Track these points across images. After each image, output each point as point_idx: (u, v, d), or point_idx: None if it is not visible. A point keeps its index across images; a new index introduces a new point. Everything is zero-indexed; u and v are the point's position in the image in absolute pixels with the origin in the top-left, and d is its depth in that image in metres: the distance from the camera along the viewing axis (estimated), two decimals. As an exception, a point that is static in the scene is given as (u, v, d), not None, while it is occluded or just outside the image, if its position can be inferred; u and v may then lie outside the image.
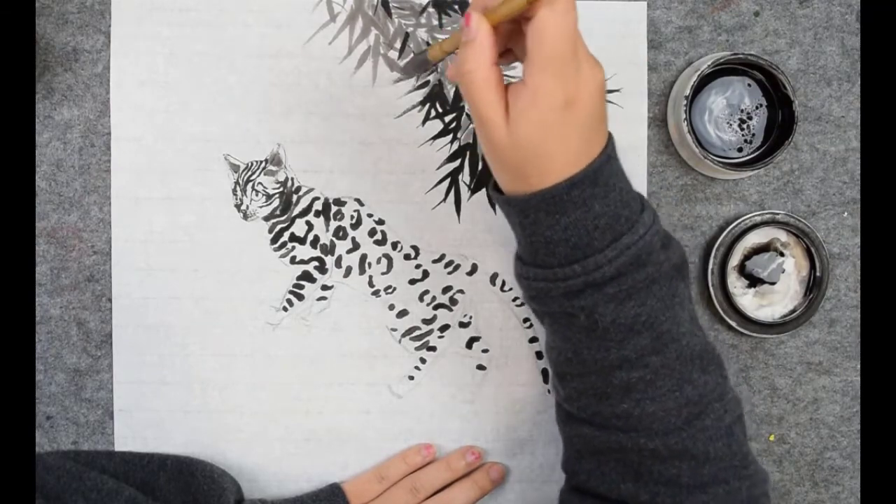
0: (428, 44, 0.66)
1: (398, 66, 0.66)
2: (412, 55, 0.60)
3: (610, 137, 0.50)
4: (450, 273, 0.67)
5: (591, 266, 0.48)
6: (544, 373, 0.67)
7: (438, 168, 0.66)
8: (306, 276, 0.66)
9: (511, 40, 0.51)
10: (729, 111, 0.66)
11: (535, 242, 0.49)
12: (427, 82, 0.66)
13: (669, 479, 0.50)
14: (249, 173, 0.66)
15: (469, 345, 0.67)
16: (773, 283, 0.67)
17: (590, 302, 0.49)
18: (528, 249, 0.51)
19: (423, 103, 0.66)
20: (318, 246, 0.66)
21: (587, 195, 0.47)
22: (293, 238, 0.66)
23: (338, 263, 0.66)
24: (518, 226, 0.51)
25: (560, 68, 0.46)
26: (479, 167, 0.66)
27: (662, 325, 0.49)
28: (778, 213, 0.66)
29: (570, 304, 0.49)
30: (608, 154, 0.49)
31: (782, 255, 0.67)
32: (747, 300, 0.67)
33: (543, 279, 0.50)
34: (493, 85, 0.47)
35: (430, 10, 0.66)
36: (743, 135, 0.66)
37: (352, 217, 0.66)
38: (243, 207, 0.66)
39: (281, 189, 0.66)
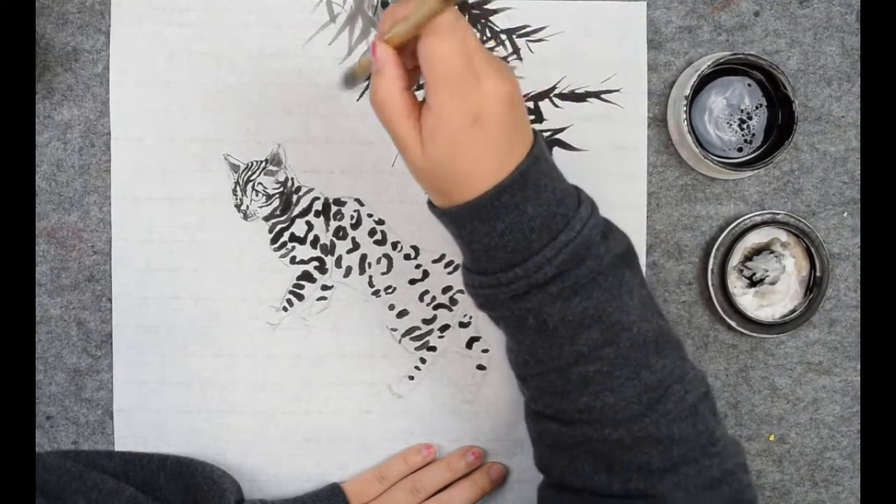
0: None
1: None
2: (344, 71, 0.59)
3: (536, 137, 0.50)
4: (450, 273, 0.67)
5: (532, 268, 0.48)
6: (544, 373, 0.67)
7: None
8: (306, 276, 0.66)
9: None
10: (729, 111, 0.66)
11: (475, 251, 0.50)
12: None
13: (640, 465, 0.50)
14: (249, 173, 0.66)
15: (469, 345, 0.67)
16: (773, 284, 0.67)
17: (535, 303, 0.49)
18: (471, 258, 0.51)
19: (423, 103, 0.66)
20: (318, 246, 0.66)
21: (518, 199, 0.48)
22: (293, 238, 0.66)
23: (338, 263, 0.66)
24: (457, 236, 0.51)
25: (456, 86, 0.46)
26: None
27: (611, 317, 0.49)
28: (778, 213, 0.66)
29: (517, 307, 0.50)
30: (535, 155, 0.49)
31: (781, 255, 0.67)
32: (747, 300, 0.67)
33: (488, 286, 0.50)
34: (405, 111, 0.48)
35: (430, 10, 0.66)
36: (743, 135, 0.66)
37: (352, 217, 0.66)
38: (243, 207, 0.66)
39: (281, 189, 0.66)
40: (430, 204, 0.52)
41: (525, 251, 0.48)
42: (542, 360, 0.51)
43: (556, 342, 0.50)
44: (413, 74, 0.50)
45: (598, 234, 0.50)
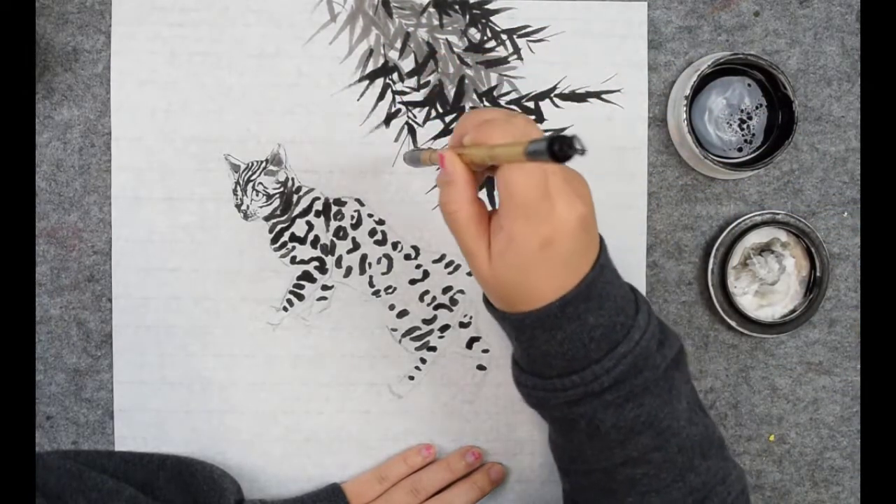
0: (430, 49, 0.66)
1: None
2: (411, 150, 0.61)
3: (601, 247, 0.49)
4: (450, 273, 0.67)
5: (589, 377, 0.48)
6: (544, 373, 0.67)
7: (439, 168, 0.66)
8: (306, 276, 0.66)
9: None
10: (729, 111, 0.66)
11: (532, 354, 0.50)
12: (427, 82, 0.66)
13: None
14: (250, 173, 0.66)
15: (469, 345, 0.67)
16: (773, 284, 0.67)
17: (589, 409, 0.49)
18: (526, 360, 0.51)
19: (423, 104, 0.66)
20: (319, 246, 0.66)
21: (581, 310, 0.47)
22: (293, 238, 0.66)
23: (338, 263, 0.66)
24: (514, 339, 0.51)
25: (531, 214, 0.45)
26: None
27: (662, 423, 0.50)
28: (778, 213, 0.66)
29: (569, 411, 0.50)
30: (600, 265, 0.48)
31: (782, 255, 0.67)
32: (747, 300, 0.67)
33: (542, 388, 0.50)
34: (474, 221, 0.48)
35: (431, 9, 0.66)
36: (743, 135, 0.66)
37: (352, 217, 0.66)
38: (244, 207, 0.66)
39: (281, 189, 0.66)
40: (488, 303, 0.52)
41: (584, 359, 0.48)
42: (590, 461, 0.51)
43: (606, 446, 0.50)
44: (479, 178, 0.50)
45: (655, 343, 0.50)
